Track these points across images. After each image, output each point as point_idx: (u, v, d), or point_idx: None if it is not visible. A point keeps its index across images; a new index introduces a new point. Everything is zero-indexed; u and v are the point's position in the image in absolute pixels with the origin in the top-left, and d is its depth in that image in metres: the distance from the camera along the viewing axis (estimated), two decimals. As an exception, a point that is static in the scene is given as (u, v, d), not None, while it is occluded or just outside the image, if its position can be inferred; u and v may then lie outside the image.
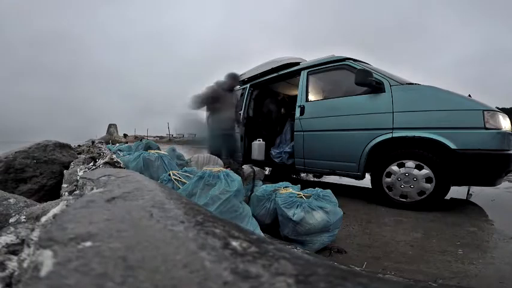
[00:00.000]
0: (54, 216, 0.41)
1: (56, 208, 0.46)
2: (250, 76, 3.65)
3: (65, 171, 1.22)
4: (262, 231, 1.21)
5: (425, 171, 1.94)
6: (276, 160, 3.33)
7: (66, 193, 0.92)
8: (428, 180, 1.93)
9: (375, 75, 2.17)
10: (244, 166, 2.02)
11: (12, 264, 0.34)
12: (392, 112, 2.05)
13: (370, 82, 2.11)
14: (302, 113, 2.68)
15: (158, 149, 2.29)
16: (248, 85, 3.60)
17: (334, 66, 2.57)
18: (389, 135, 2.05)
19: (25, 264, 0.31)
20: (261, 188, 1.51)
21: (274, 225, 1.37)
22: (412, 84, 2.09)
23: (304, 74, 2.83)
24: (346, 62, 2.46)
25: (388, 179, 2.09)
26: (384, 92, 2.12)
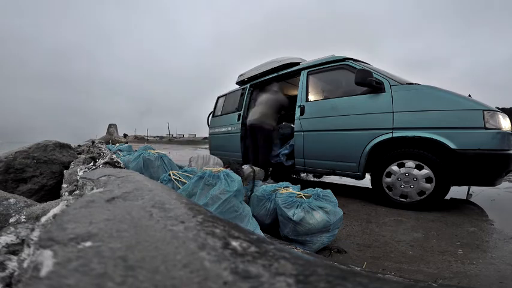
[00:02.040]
0: (54, 216, 0.41)
1: (56, 208, 0.46)
2: (250, 76, 3.65)
3: (65, 171, 1.22)
4: (262, 231, 1.21)
5: (425, 171, 1.94)
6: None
7: (66, 193, 0.92)
8: (428, 180, 1.93)
9: (374, 75, 2.16)
10: (244, 166, 2.02)
11: (12, 264, 0.34)
12: (393, 112, 2.05)
13: (370, 82, 2.11)
14: (302, 113, 2.68)
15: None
16: (248, 85, 3.60)
17: (334, 66, 2.57)
18: (389, 135, 2.05)
19: (25, 264, 0.31)
20: (261, 188, 1.51)
21: (274, 225, 1.37)
22: (412, 84, 2.09)
23: (304, 74, 2.83)
24: (346, 62, 2.46)
25: (388, 179, 2.09)
26: (384, 92, 2.12)
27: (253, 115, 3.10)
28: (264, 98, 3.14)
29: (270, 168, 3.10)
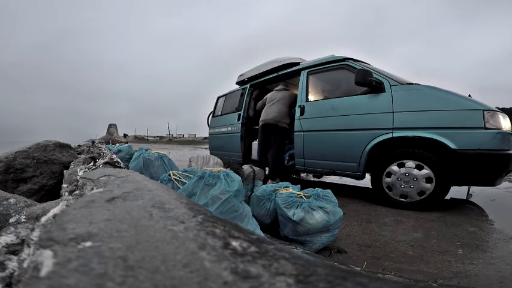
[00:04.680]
0: (54, 216, 0.41)
1: (56, 208, 0.46)
2: (250, 76, 3.65)
3: (65, 171, 1.22)
4: (262, 231, 1.21)
5: (426, 171, 1.94)
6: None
7: (66, 193, 0.92)
8: (428, 180, 1.93)
9: (374, 75, 2.16)
10: (244, 166, 2.02)
11: (12, 264, 0.34)
12: (393, 112, 2.04)
13: (370, 82, 2.11)
14: (302, 113, 2.68)
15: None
16: (248, 85, 3.60)
17: (334, 66, 2.57)
18: (389, 135, 2.05)
19: (25, 264, 0.31)
20: (261, 188, 1.51)
21: (274, 225, 1.37)
22: (412, 84, 2.09)
23: (304, 74, 2.82)
24: (346, 62, 2.46)
25: (388, 179, 2.09)
26: (384, 92, 2.12)
27: (269, 114, 2.90)
28: (279, 95, 2.96)
29: (267, 168, 3.05)
